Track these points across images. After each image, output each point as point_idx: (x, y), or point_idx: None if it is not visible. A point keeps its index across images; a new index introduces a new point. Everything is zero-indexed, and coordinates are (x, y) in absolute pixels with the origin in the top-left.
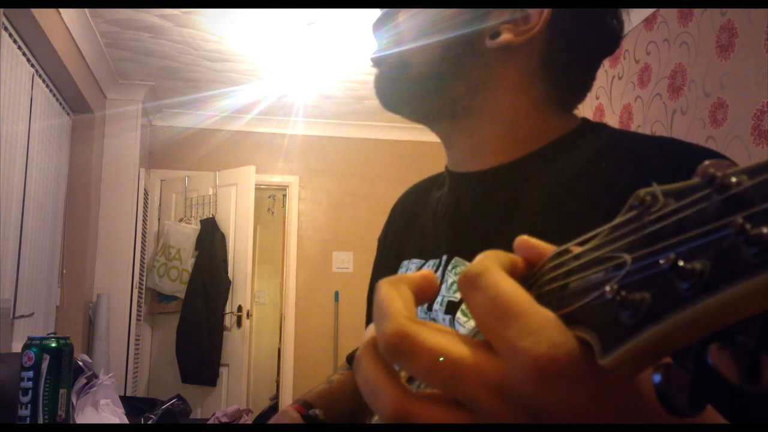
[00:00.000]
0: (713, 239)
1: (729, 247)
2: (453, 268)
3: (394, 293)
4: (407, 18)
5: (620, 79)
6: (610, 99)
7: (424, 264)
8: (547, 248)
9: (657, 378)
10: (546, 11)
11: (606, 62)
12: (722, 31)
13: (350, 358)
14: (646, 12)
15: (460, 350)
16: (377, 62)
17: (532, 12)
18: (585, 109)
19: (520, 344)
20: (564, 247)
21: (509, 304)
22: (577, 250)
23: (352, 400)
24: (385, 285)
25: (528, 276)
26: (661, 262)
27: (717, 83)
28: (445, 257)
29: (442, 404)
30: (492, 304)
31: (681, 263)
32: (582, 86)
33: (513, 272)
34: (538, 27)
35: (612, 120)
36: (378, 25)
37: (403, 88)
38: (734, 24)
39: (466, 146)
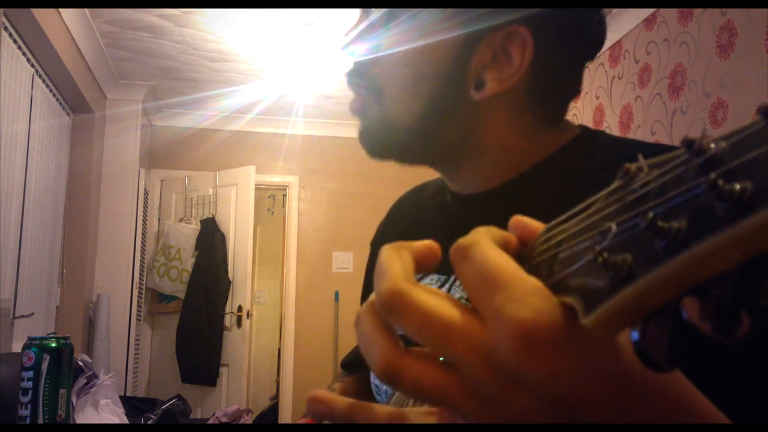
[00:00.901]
0: (689, 198)
1: (703, 204)
2: (461, 284)
3: (395, 256)
4: (384, 63)
5: (620, 79)
6: (610, 99)
7: (424, 276)
8: (539, 225)
9: (635, 335)
10: (528, 48)
11: (606, 62)
12: (722, 31)
13: (344, 364)
14: (646, 12)
15: (450, 312)
16: (357, 114)
17: (514, 51)
18: (585, 109)
19: (504, 310)
20: (555, 221)
21: (496, 272)
22: (566, 222)
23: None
24: (387, 249)
25: (522, 251)
26: (641, 222)
27: (717, 83)
28: (453, 276)
29: (431, 362)
30: (480, 272)
31: (659, 222)
32: (572, 94)
33: (505, 248)
34: (523, 68)
35: (612, 120)
36: (352, 63)
37: (390, 143)
38: (734, 24)
39: (462, 178)
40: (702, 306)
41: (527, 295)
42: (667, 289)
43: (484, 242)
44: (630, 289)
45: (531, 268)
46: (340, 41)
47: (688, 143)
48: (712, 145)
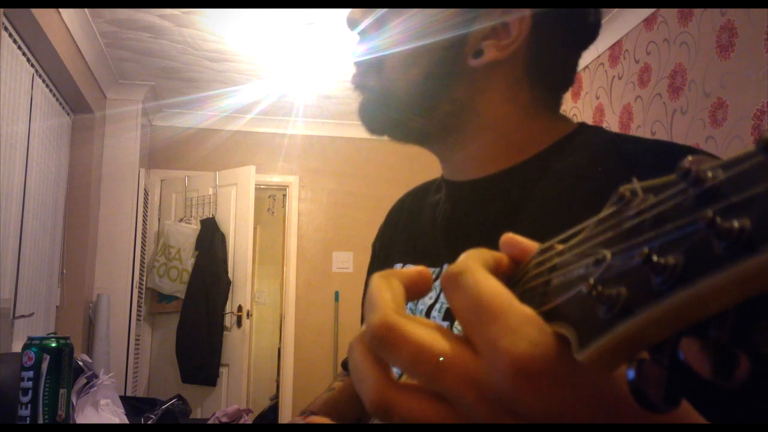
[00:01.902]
0: (686, 233)
1: (701, 241)
2: (453, 312)
3: (385, 286)
4: (386, 34)
5: (620, 79)
6: (610, 99)
7: None
8: (532, 245)
9: (631, 373)
10: (526, 19)
11: (606, 62)
12: (722, 31)
13: (345, 364)
14: (646, 12)
15: (442, 345)
16: (358, 87)
17: (512, 23)
18: (585, 109)
19: (499, 343)
20: (548, 243)
21: (489, 302)
22: (560, 246)
23: (356, 404)
24: (376, 278)
25: (513, 273)
26: (636, 257)
27: (717, 83)
28: (445, 266)
29: (423, 396)
30: (472, 302)
31: (654, 257)
32: (567, 83)
33: (497, 270)
34: (521, 38)
35: (612, 120)
36: (358, 34)
37: (389, 114)
38: (734, 24)
39: (459, 159)
40: (700, 347)
41: (521, 326)
42: (664, 327)
43: (474, 269)
44: (625, 326)
45: (524, 292)
46: (348, 19)
47: (685, 171)
48: (710, 175)
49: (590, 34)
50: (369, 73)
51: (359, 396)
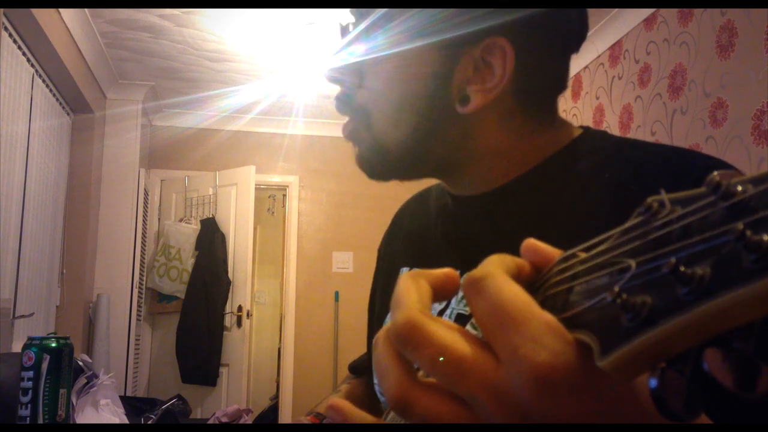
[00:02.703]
0: (714, 245)
1: (729, 253)
2: (474, 318)
3: (412, 286)
4: (369, 87)
5: (620, 79)
6: (610, 99)
7: None
8: (554, 252)
9: (653, 382)
10: (509, 58)
11: (606, 62)
12: (722, 31)
13: (352, 368)
14: (646, 12)
15: (464, 348)
16: (350, 139)
17: (495, 61)
18: (585, 109)
19: (520, 351)
20: (571, 251)
21: (511, 309)
22: (583, 254)
23: (362, 406)
24: (404, 277)
25: (535, 280)
26: (663, 267)
27: (717, 83)
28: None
29: (443, 396)
30: (494, 308)
31: (682, 268)
32: (560, 89)
33: (519, 276)
34: (506, 78)
35: (612, 120)
36: (338, 81)
37: (386, 165)
38: (734, 24)
39: (463, 182)
40: (724, 358)
41: (542, 334)
42: (688, 337)
43: (497, 275)
44: (649, 335)
45: (545, 299)
46: (324, 71)
47: (715, 185)
48: (739, 188)
49: (577, 39)
50: (359, 127)
51: (370, 400)
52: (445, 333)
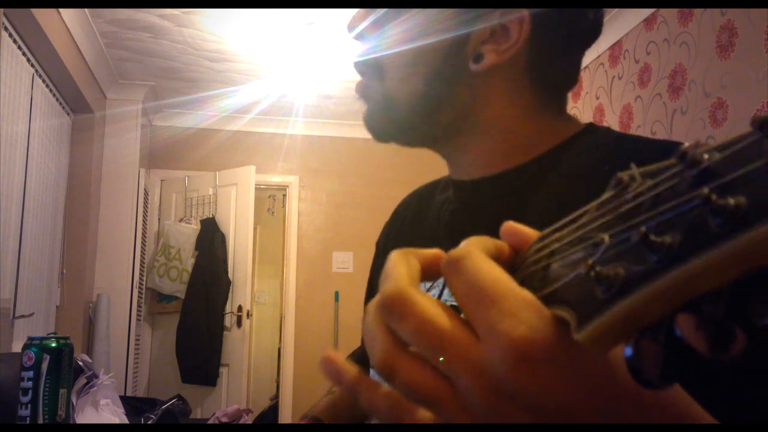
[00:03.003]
0: (682, 212)
1: (696, 219)
2: (453, 296)
3: (403, 261)
4: (385, 35)
5: (620, 79)
6: (610, 99)
7: None
8: (532, 233)
9: (628, 351)
10: (526, 22)
11: (606, 62)
12: (722, 31)
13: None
14: (646, 12)
15: (444, 323)
16: (362, 96)
17: (512, 25)
18: (585, 109)
19: (498, 326)
20: (548, 230)
21: (489, 286)
22: (559, 233)
23: (357, 407)
24: (395, 253)
25: (515, 260)
26: (633, 236)
27: (717, 83)
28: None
29: (427, 367)
30: (472, 286)
31: (651, 237)
32: (570, 82)
33: (498, 257)
34: (520, 42)
35: (612, 120)
36: (358, 39)
37: (394, 122)
38: (734, 24)
39: (465, 160)
40: (696, 323)
41: (519, 310)
42: (661, 304)
43: (475, 254)
44: (623, 304)
45: (523, 278)
46: (349, 24)
47: (681, 154)
48: (706, 156)
49: (592, 33)
50: (371, 82)
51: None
52: (430, 306)
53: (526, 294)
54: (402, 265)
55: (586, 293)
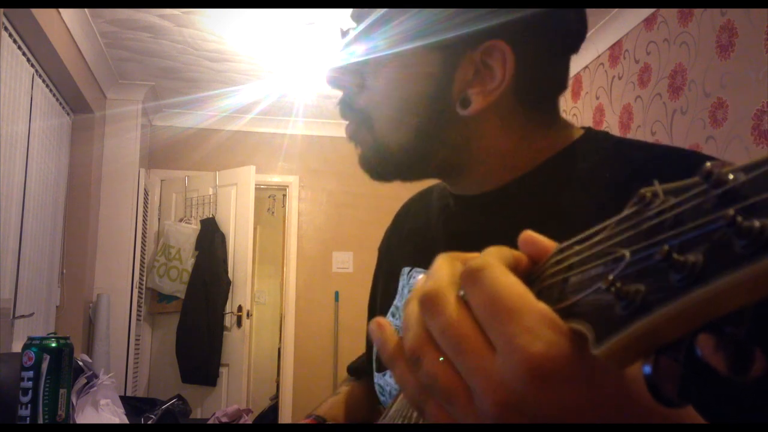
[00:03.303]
0: (706, 232)
1: (721, 240)
2: (472, 308)
3: (447, 263)
4: (370, 90)
5: (620, 79)
6: (610, 99)
7: (412, 269)
8: (550, 244)
9: (647, 369)
10: (508, 60)
11: (606, 62)
12: (722, 31)
13: (351, 369)
14: (646, 12)
15: (469, 329)
16: (352, 140)
17: (495, 64)
18: (585, 109)
19: (515, 341)
20: (567, 242)
21: (507, 299)
22: (579, 246)
23: (362, 408)
24: (442, 256)
25: (532, 271)
26: (656, 254)
27: (717, 83)
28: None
29: (448, 364)
30: (490, 299)
31: (674, 255)
32: (561, 88)
33: (516, 268)
34: (506, 80)
35: (612, 120)
36: (339, 83)
37: (388, 166)
38: (734, 24)
39: (463, 185)
40: (717, 343)
41: (538, 325)
42: (682, 324)
43: (494, 265)
44: (644, 322)
45: (541, 290)
46: (326, 75)
47: (707, 173)
48: (731, 177)
49: (576, 39)
50: (361, 129)
51: (368, 402)
52: (458, 310)
53: (543, 308)
54: (445, 267)
55: (605, 309)
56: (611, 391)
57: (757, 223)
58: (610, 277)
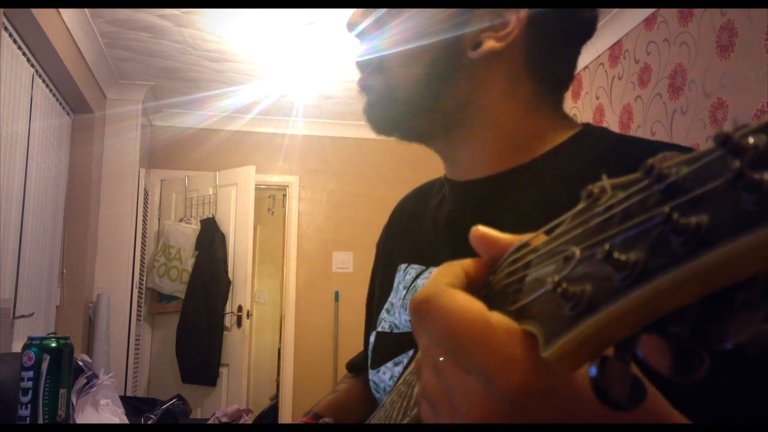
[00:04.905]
0: (646, 229)
1: (659, 237)
2: (429, 341)
3: (442, 270)
4: (385, 34)
5: (620, 79)
6: (610, 99)
7: (424, 270)
8: (505, 239)
9: (593, 371)
10: (522, 11)
11: (606, 62)
12: (722, 31)
13: (350, 366)
14: (646, 12)
15: (453, 337)
16: (363, 89)
17: (509, 14)
18: (585, 109)
19: (488, 369)
20: (525, 239)
21: (464, 327)
22: (535, 243)
23: (360, 405)
24: (439, 267)
25: (490, 272)
26: (597, 253)
27: (717, 83)
28: (431, 269)
29: (439, 378)
30: (447, 331)
31: (615, 254)
32: (566, 78)
33: (468, 279)
34: (518, 28)
35: (612, 120)
36: (359, 37)
37: (394, 112)
38: (734, 24)
39: (463, 157)
40: (659, 343)
41: (502, 345)
42: (627, 323)
43: (440, 293)
44: (589, 322)
45: (497, 291)
46: (348, 22)
47: (648, 168)
48: (673, 171)
49: (586, 30)
50: (372, 74)
51: (367, 400)
52: (458, 306)
53: (499, 321)
54: (438, 274)
55: (553, 310)
56: (569, 396)
57: (693, 220)
58: (556, 277)
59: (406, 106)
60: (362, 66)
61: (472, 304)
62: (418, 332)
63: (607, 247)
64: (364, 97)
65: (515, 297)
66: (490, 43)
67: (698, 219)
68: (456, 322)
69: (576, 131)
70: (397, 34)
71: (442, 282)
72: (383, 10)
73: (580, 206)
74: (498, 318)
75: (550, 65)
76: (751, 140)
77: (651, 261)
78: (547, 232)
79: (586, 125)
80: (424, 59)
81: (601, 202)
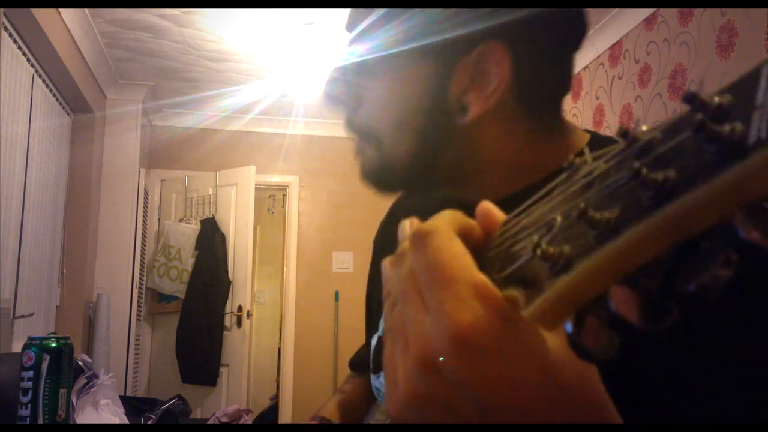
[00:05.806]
0: (618, 187)
1: (631, 193)
2: (414, 268)
3: (441, 215)
4: (369, 107)
5: (620, 79)
6: (610, 99)
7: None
8: (503, 216)
9: (569, 326)
10: (504, 62)
11: (606, 62)
12: (722, 31)
13: (352, 364)
14: (646, 12)
15: (414, 286)
16: (359, 154)
17: (491, 69)
18: (585, 109)
19: (444, 307)
20: (513, 213)
21: (446, 266)
22: (522, 215)
23: (365, 405)
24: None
25: (485, 242)
26: (574, 213)
27: (717, 83)
28: None
29: (401, 311)
30: (431, 263)
31: (589, 212)
32: (564, 88)
33: (468, 235)
34: (503, 83)
35: (612, 120)
36: (335, 101)
37: (391, 180)
38: (734, 24)
39: (470, 193)
40: (631, 296)
41: (469, 296)
42: (601, 278)
43: (443, 231)
44: (565, 279)
45: (487, 260)
46: (323, 93)
47: (623, 132)
48: (645, 134)
49: (577, 36)
50: (367, 145)
51: (372, 399)
52: (449, 251)
53: (480, 280)
54: (449, 219)
55: (535, 272)
56: (532, 367)
57: (661, 175)
58: (535, 239)
59: (403, 174)
60: (352, 133)
61: (463, 253)
62: (405, 258)
63: (582, 206)
64: (358, 158)
65: (502, 266)
66: (477, 108)
67: (665, 173)
68: (442, 262)
69: (580, 146)
70: (376, 99)
71: (449, 223)
72: (358, 64)
73: (562, 177)
74: (482, 278)
75: (544, 93)
76: (716, 99)
77: (623, 216)
78: (531, 206)
79: (592, 135)
80: (412, 132)
81: (582, 172)
